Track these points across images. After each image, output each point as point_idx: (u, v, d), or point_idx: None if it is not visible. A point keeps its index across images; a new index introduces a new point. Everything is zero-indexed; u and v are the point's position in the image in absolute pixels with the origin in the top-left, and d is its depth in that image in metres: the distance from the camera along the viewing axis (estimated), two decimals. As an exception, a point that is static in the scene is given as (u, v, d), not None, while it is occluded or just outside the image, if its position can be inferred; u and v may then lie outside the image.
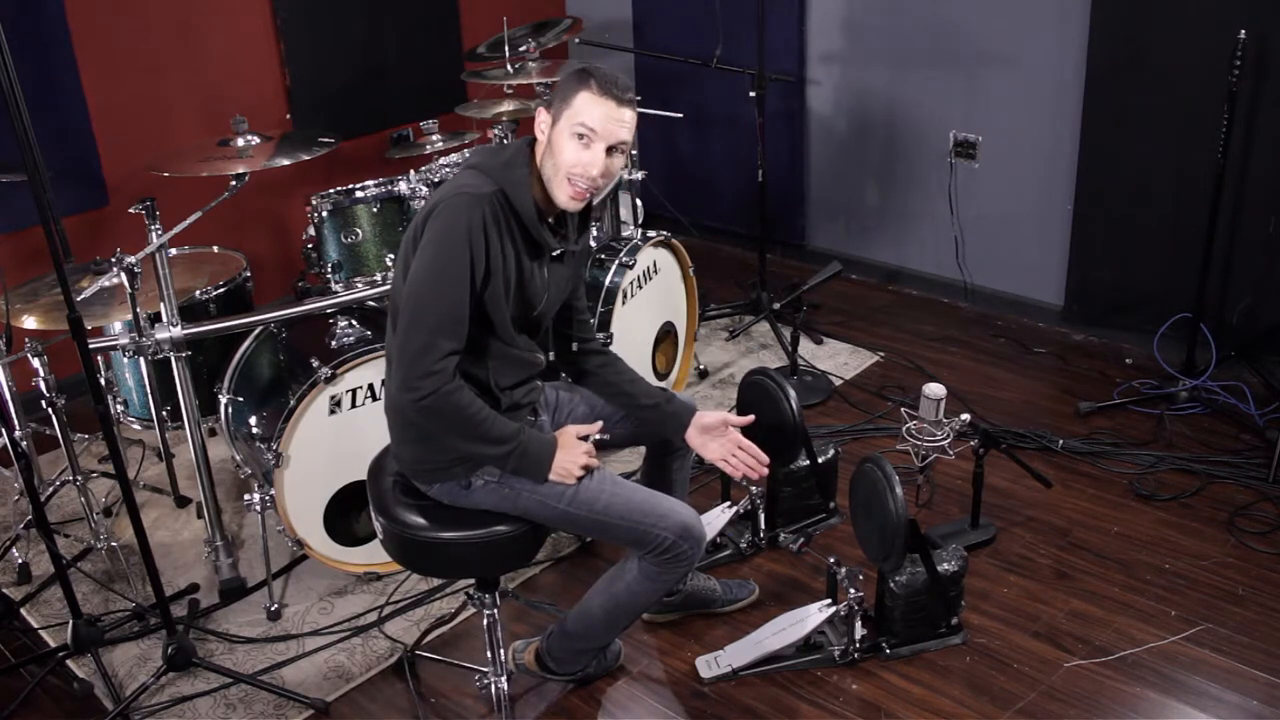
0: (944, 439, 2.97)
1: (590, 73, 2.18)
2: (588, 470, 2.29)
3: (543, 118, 2.23)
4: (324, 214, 3.08)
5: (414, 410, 2.16)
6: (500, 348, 2.27)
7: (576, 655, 2.57)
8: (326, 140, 3.19)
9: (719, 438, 2.49)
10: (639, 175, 3.74)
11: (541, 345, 2.42)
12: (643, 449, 2.71)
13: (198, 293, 3.15)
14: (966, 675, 2.64)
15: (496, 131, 3.45)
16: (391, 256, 3.08)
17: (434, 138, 3.62)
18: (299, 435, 2.81)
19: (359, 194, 3.08)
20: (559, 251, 2.32)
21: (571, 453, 2.28)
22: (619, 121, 2.17)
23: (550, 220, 2.29)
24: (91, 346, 2.45)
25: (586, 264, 3.47)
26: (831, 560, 2.67)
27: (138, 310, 2.73)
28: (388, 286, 3.03)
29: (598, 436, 2.34)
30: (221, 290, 3.20)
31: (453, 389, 2.15)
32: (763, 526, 3.08)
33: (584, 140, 2.16)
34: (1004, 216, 4.37)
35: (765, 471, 2.50)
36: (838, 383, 3.98)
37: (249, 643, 2.86)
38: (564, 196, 2.21)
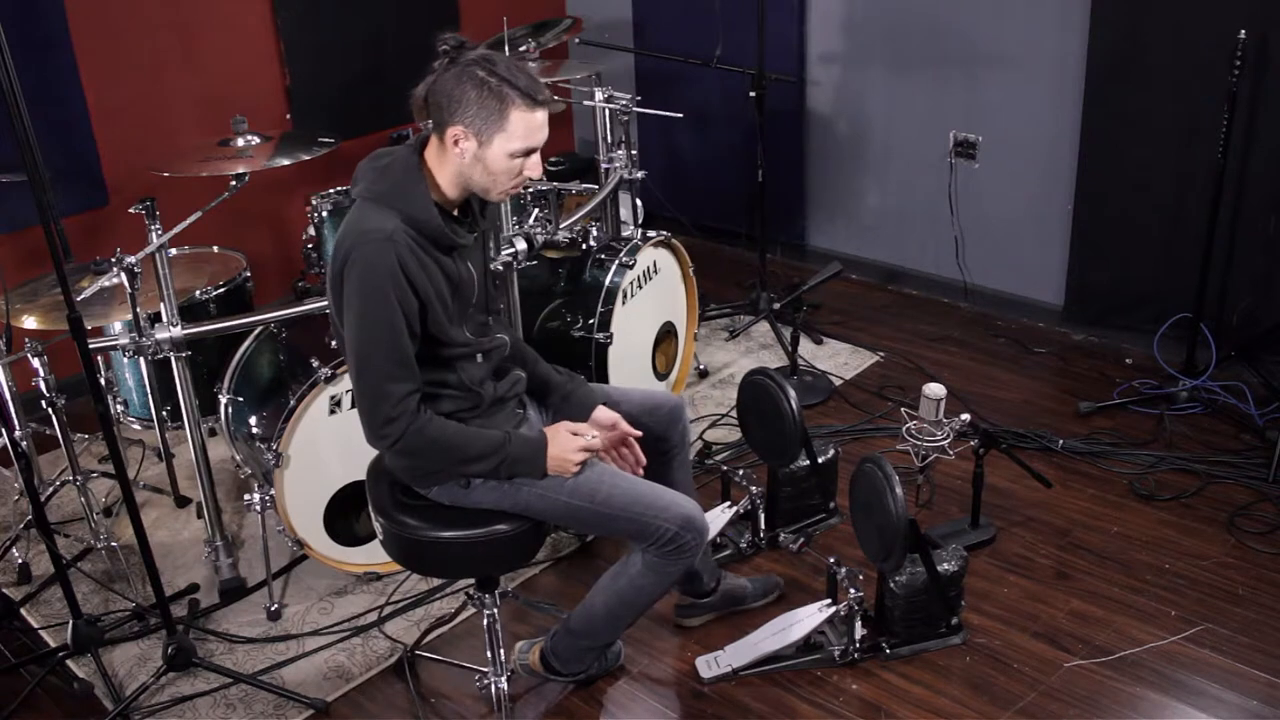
0: (944, 439, 2.97)
1: (507, 80, 2.09)
2: (582, 464, 2.29)
3: (458, 134, 2.11)
4: (324, 214, 3.08)
5: (390, 454, 2.19)
6: (460, 350, 2.27)
7: (582, 654, 2.57)
8: (326, 140, 3.19)
9: (609, 431, 2.44)
10: (639, 175, 3.75)
11: (497, 325, 2.41)
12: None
13: (198, 293, 3.15)
14: (966, 675, 2.64)
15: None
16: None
17: (434, 138, 3.62)
18: (299, 435, 2.81)
19: (359, 194, 3.08)
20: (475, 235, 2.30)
21: (564, 446, 2.28)
22: (545, 126, 2.16)
23: (454, 213, 2.26)
24: (91, 346, 2.45)
25: (585, 266, 3.50)
26: (831, 560, 2.67)
27: (138, 310, 2.73)
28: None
29: (593, 435, 2.34)
30: (221, 290, 3.20)
31: (421, 425, 2.15)
32: (763, 526, 3.08)
33: (528, 155, 2.16)
34: (1004, 216, 4.36)
35: (640, 473, 2.45)
36: (838, 383, 3.98)
37: (249, 643, 2.86)
38: (499, 199, 2.23)
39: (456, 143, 2.13)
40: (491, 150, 2.13)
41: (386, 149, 2.28)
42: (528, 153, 2.15)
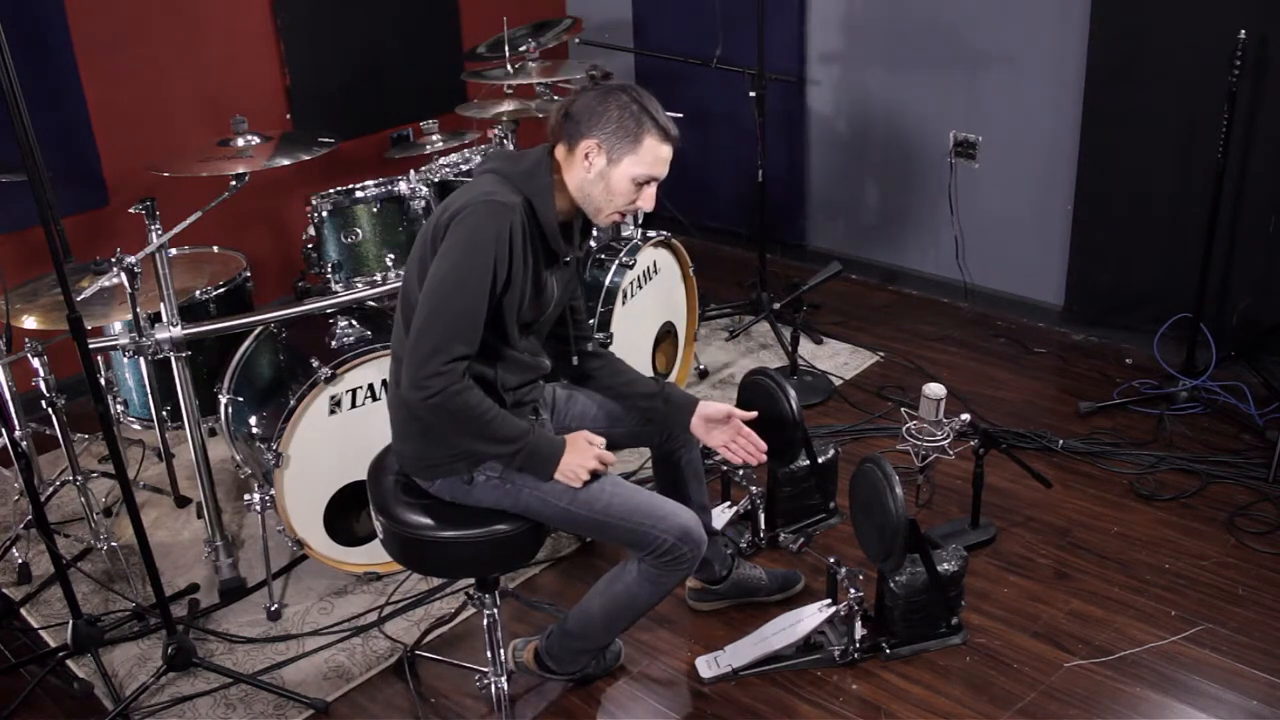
0: (944, 439, 2.97)
1: (647, 110, 2.21)
2: (594, 475, 2.29)
3: (591, 148, 2.21)
4: (324, 214, 3.08)
5: (422, 408, 2.17)
6: (508, 352, 2.29)
7: (575, 655, 2.57)
8: (326, 140, 3.19)
9: (722, 425, 2.51)
10: (639, 175, 3.74)
11: (544, 352, 2.45)
12: (644, 449, 2.72)
13: (198, 293, 3.15)
14: (966, 675, 2.64)
15: (496, 131, 3.45)
16: (391, 257, 3.09)
17: (434, 138, 3.62)
18: (299, 435, 2.81)
19: (359, 194, 3.09)
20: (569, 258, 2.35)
21: (581, 456, 2.28)
22: (669, 162, 2.28)
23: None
24: (91, 346, 2.45)
25: (584, 266, 3.50)
26: (831, 560, 2.67)
27: (138, 310, 2.73)
28: (387, 286, 3.04)
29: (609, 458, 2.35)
30: (221, 290, 3.20)
31: (461, 388, 2.15)
32: (763, 526, 3.08)
33: (646, 184, 2.24)
34: (1004, 216, 4.37)
35: (764, 458, 2.52)
36: (838, 383, 3.98)
37: (249, 643, 2.86)
38: (606, 221, 2.31)
39: (587, 156, 2.21)
40: (618, 170, 2.21)
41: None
42: (648, 181, 2.24)
